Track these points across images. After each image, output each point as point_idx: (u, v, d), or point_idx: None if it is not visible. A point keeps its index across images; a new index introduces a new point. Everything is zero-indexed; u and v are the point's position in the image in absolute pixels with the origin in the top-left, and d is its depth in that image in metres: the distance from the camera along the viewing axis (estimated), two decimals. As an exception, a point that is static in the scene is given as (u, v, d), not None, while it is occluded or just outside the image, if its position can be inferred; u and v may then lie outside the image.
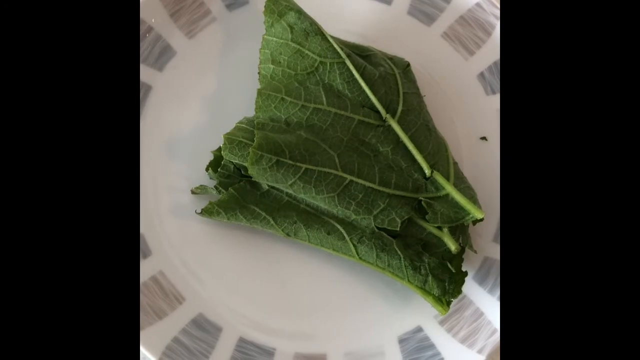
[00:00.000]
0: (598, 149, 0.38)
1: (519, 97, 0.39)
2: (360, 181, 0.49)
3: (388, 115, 0.51)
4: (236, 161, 0.49)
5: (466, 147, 0.56)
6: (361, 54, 0.53)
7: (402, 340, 0.50)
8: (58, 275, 0.36)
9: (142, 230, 0.50)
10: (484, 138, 0.56)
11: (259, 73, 0.51)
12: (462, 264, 0.49)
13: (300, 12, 0.51)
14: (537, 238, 0.38)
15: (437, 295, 0.48)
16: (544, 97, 0.39)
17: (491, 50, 0.58)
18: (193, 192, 0.52)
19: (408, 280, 0.49)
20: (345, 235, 0.49)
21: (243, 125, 0.50)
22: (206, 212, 0.50)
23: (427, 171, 0.50)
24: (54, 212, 0.36)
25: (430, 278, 0.48)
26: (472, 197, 0.50)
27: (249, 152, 0.47)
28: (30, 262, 0.36)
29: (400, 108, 0.51)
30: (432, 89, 0.57)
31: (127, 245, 0.37)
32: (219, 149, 0.50)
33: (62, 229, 0.36)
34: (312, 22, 0.51)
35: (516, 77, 0.39)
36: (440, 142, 0.52)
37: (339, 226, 0.49)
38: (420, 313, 0.51)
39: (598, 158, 0.38)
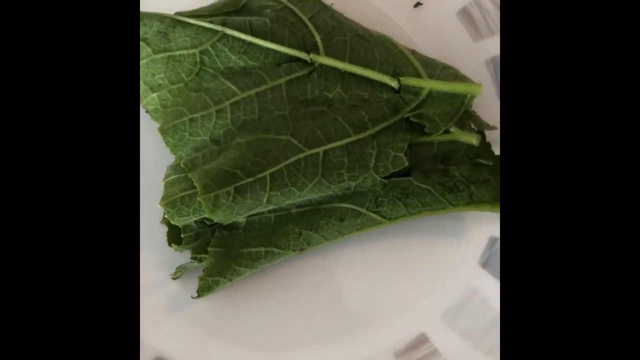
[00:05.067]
0: None
1: None
2: (334, 144, 0.39)
3: (311, 55, 0.40)
4: (193, 220, 0.39)
5: (406, 24, 0.46)
6: (235, 9, 0.41)
7: (485, 264, 0.42)
8: None
9: (161, 354, 0.41)
10: (418, 4, 0.46)
11: (147, 112, 0.40)
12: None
13: (141, 16, 0.40)
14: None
15: (491, 200, 0.40)
16: None
17: None
18: (175, 278, 0.42)
19: (452, 205, 0.40)
20: (358, 209, 0.39)
21: (171, 177, 0.40)
22: (203, 290, 0.40)
23: (393, 83, 0.40)
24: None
25: (472, 187, 0.40)
26: (455, 75, 0.41)
27: (199, 203, 0.37)
28: None
29: (317, 37, 0.41)
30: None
31: None
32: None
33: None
34: (161, 17, 0.40)
35: None
36: (383, 42, 0.42)
37: (346, 205, 0.39)
38: (484, 226, 0.42)
39: None
